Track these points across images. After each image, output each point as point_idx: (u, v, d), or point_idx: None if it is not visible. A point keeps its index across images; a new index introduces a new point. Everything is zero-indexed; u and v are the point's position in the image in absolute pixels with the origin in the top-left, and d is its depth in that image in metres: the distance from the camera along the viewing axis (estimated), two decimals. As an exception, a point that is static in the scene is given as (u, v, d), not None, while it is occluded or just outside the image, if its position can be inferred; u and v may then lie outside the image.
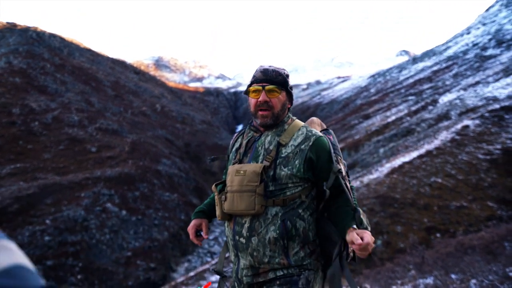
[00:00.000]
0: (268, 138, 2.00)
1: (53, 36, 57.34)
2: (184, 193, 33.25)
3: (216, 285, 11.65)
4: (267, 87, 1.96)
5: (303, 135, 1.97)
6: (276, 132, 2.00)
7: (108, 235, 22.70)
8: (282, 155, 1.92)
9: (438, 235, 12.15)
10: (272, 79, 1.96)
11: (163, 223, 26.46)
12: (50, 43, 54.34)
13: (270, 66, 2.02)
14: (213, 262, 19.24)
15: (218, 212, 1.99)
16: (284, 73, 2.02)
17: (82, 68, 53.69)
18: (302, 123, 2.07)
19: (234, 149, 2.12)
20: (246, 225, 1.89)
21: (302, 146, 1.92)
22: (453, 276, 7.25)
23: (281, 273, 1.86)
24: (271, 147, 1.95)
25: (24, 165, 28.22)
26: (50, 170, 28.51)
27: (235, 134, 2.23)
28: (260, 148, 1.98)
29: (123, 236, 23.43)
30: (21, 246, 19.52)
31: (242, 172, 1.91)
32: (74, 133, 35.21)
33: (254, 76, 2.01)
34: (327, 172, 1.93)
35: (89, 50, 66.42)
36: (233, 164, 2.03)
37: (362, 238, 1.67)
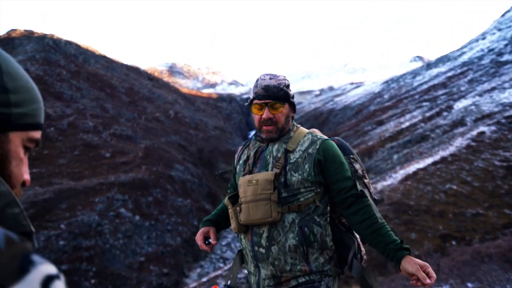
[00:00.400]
0: (276, 146, 2.02)
1: (69, 43, 58.23)
2: (197, 199, 33.33)
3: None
4: (270, 104, 1.96)
5: (309, 140, 1.99)
6: (283, 140, 2.02)
7: (122, 240, 22.86)
8: (291, 161, 1.93)
9: (453, 242, 11.97)
10: (274, 95, 1.95)
11: (176, 228, 26.53)
12: (66, 50, 55.17)
13: (270, 78, 1.99)
14: (226, 268, 19.22)
15: (234, 225, 2.00)
16: (285, 84, 2.01)
17: (97, 75, 54.38)
18: (307, 130, 2.10)
19: (241, 161, 2.14)
20: (265, 235, 1.90)
21: (310, 150, 1.94)
22: (469, 285, 7.15)
23: (303, 279, 1.88)
24: (279, 155, 1.97)
25: (40, 170, 28.62)
26: (65, 175, 28.88)
27: (240, 147, 2.24)
28: (268, 156, 2.00)
29: (137, 241, 23.56)
30: (37, 250, 19.76)
31: (254, 181, 1.92)
32: (89, 139, 35.63)
33: (255, 92, 1.99)
34: (337, 174, 1.93)
35: (104, 57, 67.24)
36: (244, 175, 2.04)
37: (428, 274, 1.67)
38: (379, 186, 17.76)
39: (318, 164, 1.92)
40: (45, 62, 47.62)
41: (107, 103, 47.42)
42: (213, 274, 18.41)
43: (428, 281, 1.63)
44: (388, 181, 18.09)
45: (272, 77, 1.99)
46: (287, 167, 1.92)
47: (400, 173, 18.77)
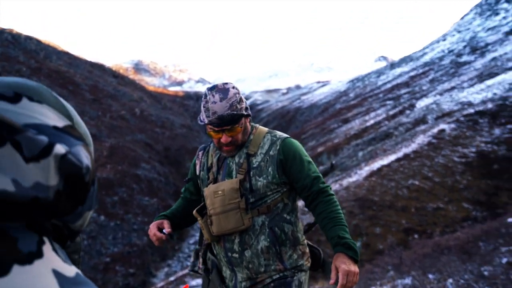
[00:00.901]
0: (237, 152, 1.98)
1: (29, 38, 56.13)
2: (164, 198, 32.93)
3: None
4: (227, 130, 1.87)
5: (269, 141, 1.95)
6: (244, 145, 1.98)
7: (86, 241, 22.28)
8: (254, 166, 1.91)
9: (415, 236, 12.35)
10: (230, 121, 1.85)
11: (142, 228, 26.13)
12: (26, 46, 53.19)
13: (221, 99, 1.84)
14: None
15: (206, 236, 1.97)
16: (237, 101, 1.87)
17: (59, 72, 52.72)
18: (266, 129, 2.04)
19: (205, 168, 2.07)
20: (237, 240, 1.89)
21: (271, 152, 1.92)
22: (430, 276, 7.36)
23: (277, 276, 1.90)
24: (241, 160, 1.94)
25: None
26: (25, 175, 27.88)
27: (200, 152, 2.14)
28: (231, 163, 1.96)
29: (102, 242, 23.04)
30: None
31: (220, 192, 1.89)
32: (50, 137, 34.52)
33: (209, 120, 1.86)
34: (299, 173, 1.92)
35: (66, 53, 65.30)
36: (208, 185, 1.99)
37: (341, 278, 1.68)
38: (345, 182, 18.08)
39: (280, 164, 1.90)
40: (3, 57, 45.72)
41: (69, 101, 46.03)
42: (180, 273, 18.22)
43: (331, 281, 1.69)
44: (354, 178, 18.43)
45: (223, 97, 1.84)
46: (251, 172, 1.90)
47: (365, 170, 19.17)
